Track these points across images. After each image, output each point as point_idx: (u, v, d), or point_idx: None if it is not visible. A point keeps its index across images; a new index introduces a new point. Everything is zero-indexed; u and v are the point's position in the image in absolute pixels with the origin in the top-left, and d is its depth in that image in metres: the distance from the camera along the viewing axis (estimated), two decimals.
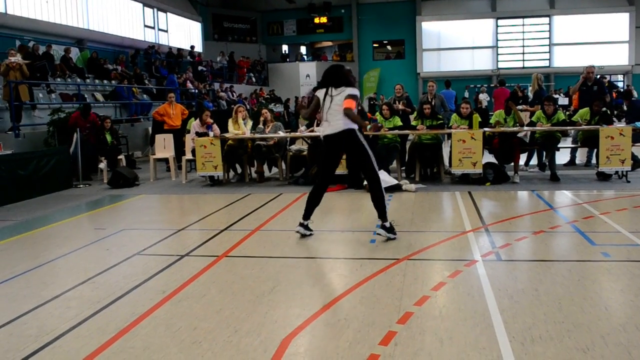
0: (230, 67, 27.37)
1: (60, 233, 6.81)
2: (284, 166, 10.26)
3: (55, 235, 6.68)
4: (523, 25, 30.25)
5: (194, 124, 10.46)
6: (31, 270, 5.17)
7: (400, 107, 11.14)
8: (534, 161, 10.51)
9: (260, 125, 10.21)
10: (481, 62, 30.56)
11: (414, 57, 30.59)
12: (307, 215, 5.98)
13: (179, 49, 23.67)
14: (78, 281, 4.73)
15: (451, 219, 6.91)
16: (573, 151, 10.96)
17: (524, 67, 29.75)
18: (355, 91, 5.65)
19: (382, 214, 5.64)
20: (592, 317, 3.54)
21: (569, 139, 12.04)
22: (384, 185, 8.39)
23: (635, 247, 5.13)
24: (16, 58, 12.22)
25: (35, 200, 9.24)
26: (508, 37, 30.47)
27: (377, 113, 10.16)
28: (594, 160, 9.75)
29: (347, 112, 5.49)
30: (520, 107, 11.79)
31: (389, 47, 32.47)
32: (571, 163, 10.87)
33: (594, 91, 10.53)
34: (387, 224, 5.65)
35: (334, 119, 5.64)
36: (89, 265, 5.25)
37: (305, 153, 10.05)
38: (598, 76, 12.13)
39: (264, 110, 10.45)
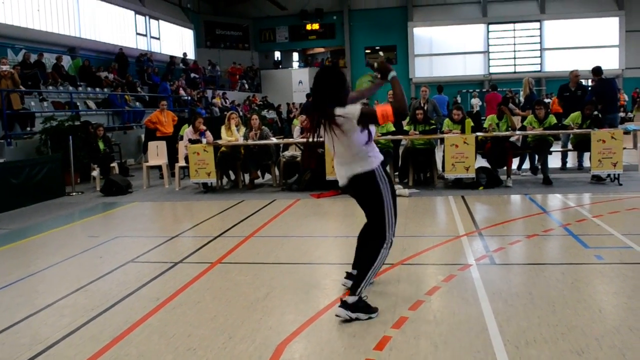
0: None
1: (53, 241, 6.77)
2: (277, 172, 10.26)
3: (48, 244, 6.64)
4: (514, 30, 30.49)
5: (187, 131, 10.45)
6: (24, 279, 5.14)
7: None
8: (526, 165, 10.56)
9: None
10: (473, 67, 30.77)
11: (406, 62, 30.75)
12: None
13: (172, 57, 23.67)
14: (71, 289, 4.71)
15: (445, 223, 6.92)
16: (564, 155, 11.00)
17: (515, 72, 29.98)
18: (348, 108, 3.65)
19: (357, 281, 3.80)
20: (586, 320, 3.55)
21: (560, 143, 12.09)
22: None
23: (628, 250, 5.16)
24: (7, 67, 12.19)
25: (28, 209, 9.19)
26: (499, 42, 30.72)
27: None
28: (587, 164, 9.78)
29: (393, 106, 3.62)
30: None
31: (381, 53, 32.58)
32: (562, 167, 10.91)
33: (578, 96, 10.62)
34: (354, 299, 3.73)
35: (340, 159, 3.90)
36: (82, 273, 5.22)
37: (298, 159, 10.06)
38: (582, 81, 12.21)
39: (254, 117, 10.46)
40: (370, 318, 3.72)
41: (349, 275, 4.31)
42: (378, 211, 3.84)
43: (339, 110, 3.63)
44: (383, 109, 3.62)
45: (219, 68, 27.85)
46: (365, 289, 3.78)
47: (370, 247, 3.88)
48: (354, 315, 3.70)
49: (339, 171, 3.92)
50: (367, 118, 3.64)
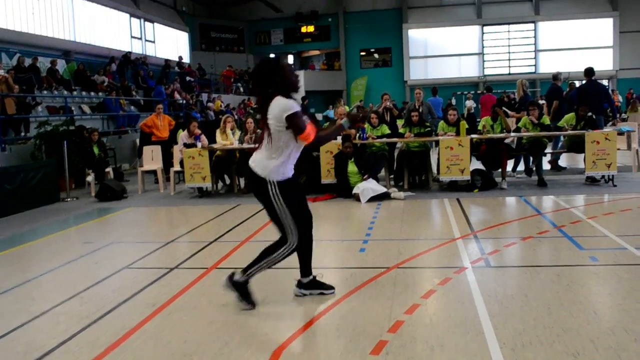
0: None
1: (48, 247, 6.75)
2: None
3: (43, 250, 6.62)
4: (508, 32, 30.62)
5: (182, 135, 10.43)
6: (19, 286, 5.12)
7: (388, 104, 11.24)
8: (521, 167, 10.58)
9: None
10: (467, 69, 30.86)
11: (401, 64, 30.84)
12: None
13: (167, 60, 23.64)
14: (67, 296, 4.69)
15: (440, 226, 6.93)
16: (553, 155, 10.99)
17: (510, 74, 30.07)
18: (287, 106, 3.87)
19: (251, 264, 4.08)
20: (582, 322, 3.56)
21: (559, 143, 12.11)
22: (372, 193, 8.45)
23: (623, 251, 5.18)
24: (1, 71, 12.17)
25: (23, 215, 9.15)
26: (494, 44, 30.82)
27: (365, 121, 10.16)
28: (582, 164, 9.78)
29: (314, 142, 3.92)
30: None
31: (376, 55, 32.67)
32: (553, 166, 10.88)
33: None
34: (241, 278, 4.06)
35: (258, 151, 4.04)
36: (78, 279, 5.21)
37: None
38: (576, 82, 12.33)
39: (249, 120, 10.42)
40: (242, 303, 4.06)
41: (299, 283, 4.35)
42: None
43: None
44: (311, 130, 3.85)
45: (214, 71, 27.81)
46: (254, 274, 4.05)
47: (275, 243, 4.10)
48: (232, 289, 4.05)
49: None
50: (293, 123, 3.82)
